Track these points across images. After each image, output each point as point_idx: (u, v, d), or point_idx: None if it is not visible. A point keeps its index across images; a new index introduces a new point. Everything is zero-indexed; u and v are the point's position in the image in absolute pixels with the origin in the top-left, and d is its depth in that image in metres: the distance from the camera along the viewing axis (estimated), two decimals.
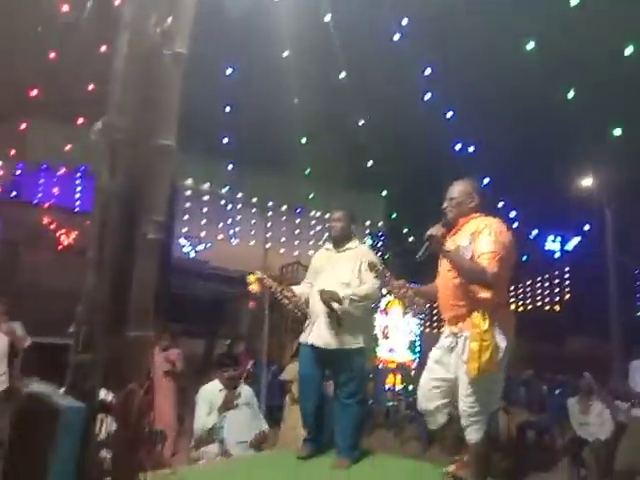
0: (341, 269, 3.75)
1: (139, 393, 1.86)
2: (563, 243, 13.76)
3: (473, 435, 2.71)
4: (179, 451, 5.19)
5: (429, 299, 3.22)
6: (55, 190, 9.92)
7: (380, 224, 14.43)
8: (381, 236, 15.38)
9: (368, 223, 14.18)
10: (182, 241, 11.09)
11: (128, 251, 2.04)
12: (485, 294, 2.74)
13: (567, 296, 15.99)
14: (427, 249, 2.79)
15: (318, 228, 11.67)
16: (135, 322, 2.01)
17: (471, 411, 2.70)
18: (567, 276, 16.07)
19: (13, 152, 8.25)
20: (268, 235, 9.99)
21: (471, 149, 5.15)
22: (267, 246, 9.54)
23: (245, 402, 4.32)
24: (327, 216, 3.94)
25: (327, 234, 4.08)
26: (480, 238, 2.75)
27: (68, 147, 7.74)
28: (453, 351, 2.85)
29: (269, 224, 10.14)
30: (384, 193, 9.50)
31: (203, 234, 11.02)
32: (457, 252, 2.78)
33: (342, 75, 5.09)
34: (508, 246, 2.79)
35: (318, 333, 3.65)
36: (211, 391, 4.27)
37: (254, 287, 3.78)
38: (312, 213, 11.60)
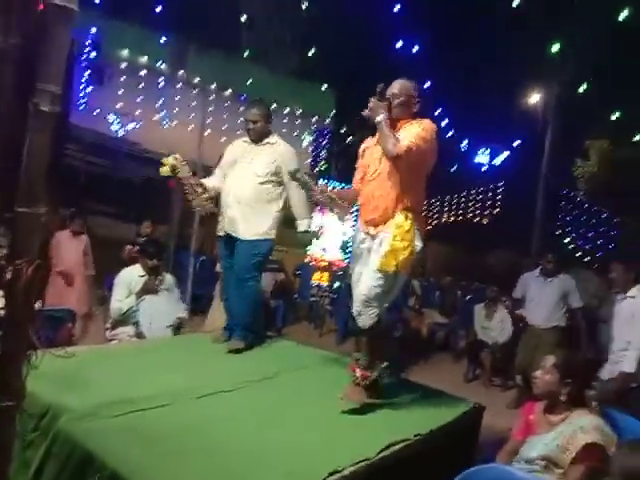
0: (258, 163, 3.73)
1: (27, 270, 1.80)
2: (492, 157, 14.03)
3: (367, 321, 2.86)
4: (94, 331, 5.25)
5: (351, 202, 3.23)
6: None
7: (327, 121, 14.18)
8: (326, 134, 15.15)
9: (315, 119, 13.91)
10: (111, 117, 10.43)
11: (19, 122, 1.88)
12: (410, 198, 2.85)
13: (496, 210, 16.66)
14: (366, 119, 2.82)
15: None
16: (24, 198, 1.89)
17: (370, 295, 2.81)
18: (499, 191, 16.63)
19: None
20: (208, 121, 9.55)
21: (414, 49, 4.99)
22: (206, 133, 9.15)
23: (165, 288, 4.37)
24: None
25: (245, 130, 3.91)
26: (411, 128, 2.83)
27: None
28: (368, 252, 2.94)
29: (210, 109, 9.67)
30: (327, 88, 9.15)
31: (138, 112, 10.41)
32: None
33: None
34: (428, 147, 2.82)
35: (230, 222, 3.72)
36: (130, 275, 4.26)
37: (165, 170, 3.58)
38: None
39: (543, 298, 5.39)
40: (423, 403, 3.11)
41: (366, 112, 2.79)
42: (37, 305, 1.97)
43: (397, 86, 2.94)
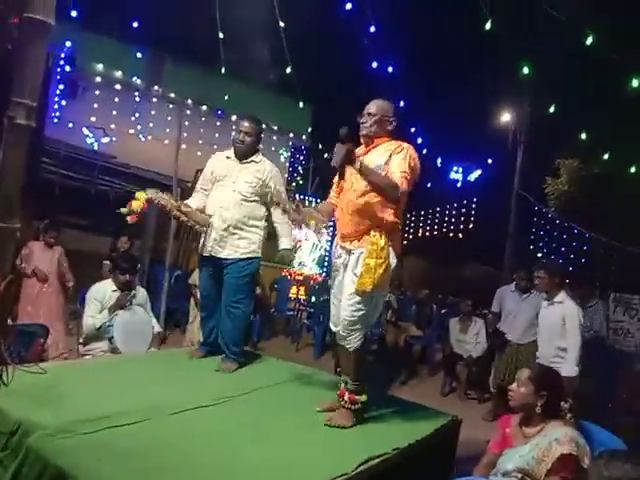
0: (242, 182, 3.67)
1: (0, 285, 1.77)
2: (465, 174, 14.31)
3: (352, 343, 2.86)
4: (70, 347, 5.14)
5: (328, 217, 3.24)
6: None
7: (304, 137, 14.27)
8: (303, 150, 15.23)
9: (291, 135, 13.99)
10: (85, 131, 10.32)
11: None
12: (387, 215, 2.85)
13: (470, 225, 16.90)
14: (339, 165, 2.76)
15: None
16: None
17: (353, 320, 2.82)
18: (473, 207, 16.90)
19: None
20: (185, 135, 9.51)
21: (390, 69, 5.08)
22: (182, 147, 9.12)
23: (138, 303, 4.32)
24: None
25: (232, 141, 3.88)
26: (395, 158, 2.83)
27: None
28: (345, 268, 2.96)
29: (186, 123, 9.65)
30: (305, 105, 9.24)
31: (113, 126, 10.32)
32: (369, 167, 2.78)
33: None
34: (415, 174, 2.88)
35: (216, 244, 3.67)
36: (103, 290, 4.20)
37: (137, 205, 3.43)
38: (233, 117, 11.18)
39: (519, 314, 5.46)
40: (401, 416, 3.11)
41: (333, 161, 2.72)
42: (8, 320, 1.93)
43: (373, 106, 2.97)
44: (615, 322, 7.53)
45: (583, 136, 6.69)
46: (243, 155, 3.73)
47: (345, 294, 2.87)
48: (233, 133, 3.90)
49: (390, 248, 2.83)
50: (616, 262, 11.42)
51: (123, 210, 3.45)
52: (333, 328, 3.07)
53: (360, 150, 3.01)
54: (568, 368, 4.09)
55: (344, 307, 2.86)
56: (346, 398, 2.86)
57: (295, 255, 3.90)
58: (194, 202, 3.77)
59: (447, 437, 3.14)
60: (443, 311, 9.29)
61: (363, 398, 2.89)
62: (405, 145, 2.91)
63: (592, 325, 5.91)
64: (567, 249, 13.90)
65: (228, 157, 3.80)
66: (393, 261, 2.86)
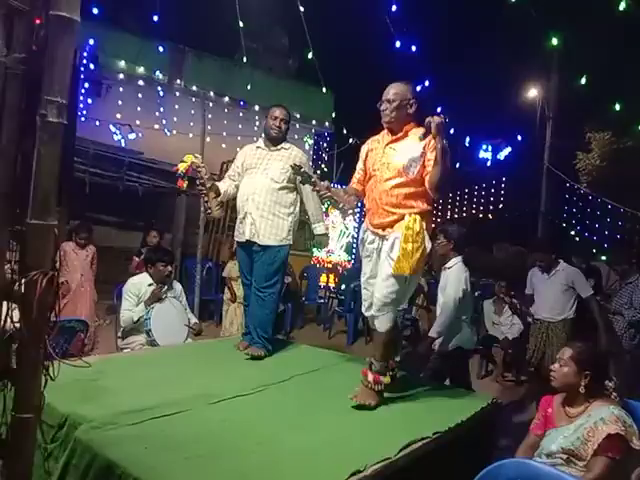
0: (274, 168, 3.76)
1: (41, 282, 1.80)
2: (494, 152, 14.01)
3: (383, 324, 2.86)
4: (107, 340, 5.26)
5: (353, 201, 3.20)
6: None
7: (327, 124, 14.20)
8: (327, 136, 15.16)
9: (314, 122, 13.93)
10: (112, 128, 10.46)
11: (27, 135, 1.88)
12: (420, 203, 2.86)
13: (501, 205, 16.61)
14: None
15: (260, 124, 11.33)
16: (36, 210, 1.89)
17: (386, 301, 2.82)
18: (503, 185, 16.59)
19: None
20: (209, 128, 9.57)
21: (413, 48, 4.98)
22: (207, 140, 9.17)
23: (174, 296, 4.38)
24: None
25: (264, 130, 3.95)
26: (434, 152, 2.75)
27: None
28: (378, 253, 2.94)
29: (209, 116, 9.70)
30: (326, 92, 9.17)
31: (138, 122, 10.44)
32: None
33: None
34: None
35: (251, 228, 3.73)
36: (139, 284, 4.27)
37: (183, 166, 3.65)
38: (256, 107, 11.18)
39: (546, 292, 5.34)
40: (440, 400, 3.09)
41: (434, 129, 2.62)
42: (52, 317, 1.97)
43: (391, 91, 2.93)
44: None
45: (616, 107, 6.44)
46: (277, 141, 3.82)
47: (381, 276, 2.86)
48: (262, 122, 3.97)
49: (425, 232, 2.82)
50: None
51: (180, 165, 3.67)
52: (365, 313, 3.07)
53: (387, 138, 2.98)
54: (432, 329, 3.92)
55: (378, 288, 2.86)
56: (370, 378, 2.86)
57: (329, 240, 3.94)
58: (223, 186, 3.89)
59: (487, 420, 3.10)
60: (476, 293, 9.15)
61: (387, 380, 2.89)
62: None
63: (632, 301, 5.75)
64: (601, 225, 13.56)
65: (258, 147, 3.91)
66: (429, 245, 2.85)
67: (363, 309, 3.09)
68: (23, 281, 1.83)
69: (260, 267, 3.73)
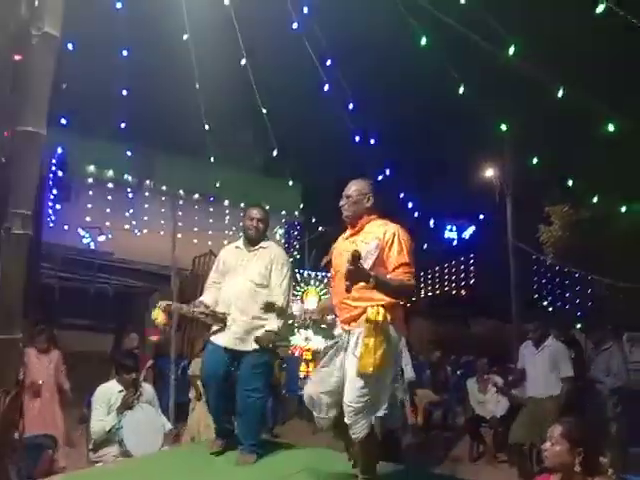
0: (253, 269, 3.68)
1: (4, 401, 1.71)
2: (459, 232, 14.51)
3: (358, 432, 2.68)
4: (77, 454, 4.92)
5: (331, 312, 3.15)
6: None
7: (296, 213, 14.51)
8: (297, 225, 15.45)
9: (283, 212, 14.22)
10: (81, 231, 10.47)
11: None
12: (383, 295, 2.73)
13: (472, 280, 16.87)
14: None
15: (230, 218, 11.50)
16: (0, 324, 1.84)
17: (357, 407, 2.66)
18: (472, 262, 16.95)
19: None
20: (179, 224, 9.65)
21: (372, 141, 5.25)
22: (178, 236, 9.22)
23: (145, 401, 4.18)
24: (243, 208, 3.87)
25: (242, 231, 3.93)
26: (392, 250, 2.78)
27: None
28: (345, 350, 2.82)
29: (180, 213, 9.82)
30: (293, 183, 9.48)
31: (108, 224, 10.48)
32: (377, 274, 2.65)
33: (243, 62, 4.97)
34: (411, 251, 2.85)
35: (232, 334, 3.57)
36: (109, 392, 4.07)
37: (160, 320, 3.56)
38: (225, 202, 11.40)
39: (536, 368, 5.31)
40: None
41: (346, 284, 2.55)
42: (16, 435, 1.85)
43: (349, 188, 3.02)
44: (634, 363, 7.33)
45: (569, 183, 6.81)
46: (255, 241, 3.76)
47: (348, 378, 2.71)
48: (232, 215, 3.98)
49: (391, 325, 2.71)
50: (625, 301, 11.30)
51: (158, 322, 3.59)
52: (324, 415, 2.84)
53: (348, 233, 3.03)
54: None
55: (348, 392, 2.69)
56: None
57: (304, 327, 3.86)
58: (209, 299, 3.73)
59: None
60: (459, 372, 9.04)
61: None
62: (392, 228, 2.87)
63: (610, 369, 5.75)
64: (572, 294, 13.81)
65: (237, 247, 3.84)
66: (395, 337, 2.74)
67: (321, 412, 2.85)
68: None
69: (243, 371, 3.56)
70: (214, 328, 3.71)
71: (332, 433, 2.98)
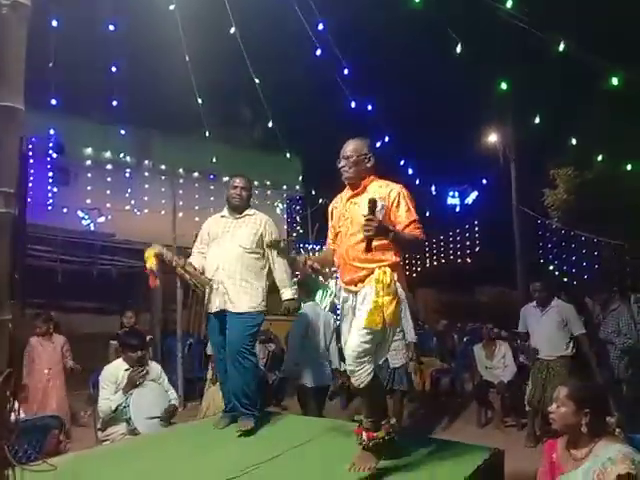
0: (242, 235, 3.74)
1: None
2: (462, 198, 14.34)
3: (362, 378, 2.69)
4: (88, 433, 4.97)
5: (331, 264, 3.17)
6: None
7: (297, 187, 14.41)
8: (298, 199, 15.35)
9: (284, 187, 14.12)
10: (80, 213, 10.44)
11: None
12: (388, 256, 2.78)
13: (477, 248, 16.79)
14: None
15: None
16: None
17: (359, 352, 2.65)
18: (476, 228, 16.85)
19: None
20: (180, 204, 9.60)
21: (369, 107, 5.13)
22: (179, 215, 9.18)
23: (152, 379, 4.19)
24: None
25: (226, 200, 3.94)
26: (400, 209, 2.80)
27: None
28: (353, 310, 2.85)
29: (180, 192, 9.75)
30: (293, 156, 9.36)
31: (108, 205, 10.44)
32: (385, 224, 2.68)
33: (232, 30, 4.83)
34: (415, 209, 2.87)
35: (223, 297, 3.63)
36: (115, 371, 4.10)
37: (151, 263, 3.54)
38: (225, 179, 11.29)
39: (543, 329, 5.29)
40: (441, 457, 2.93)
41: (366, 232, 2.58)
42: (13, 417, 1.82)
43: (348, 148, 2.95)
44: None
45: (572, 142, 6.66)
46: (240, 209, 3.82)
47: (354, 328, 2.74)
48: (227, 192, 3.95)
49: (398, 284, 2.75)
50: (630, 263, 11.22)
51: (148, 265, 3.54)
52: (344, 367, 2.95)
53: (348, 194, 2.98)
54: None
55: (351, 340, 2.72)
56: (364, 437, 2.71)
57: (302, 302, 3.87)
58: (195, 262, 3.80)
59: (491, 471, 2.94)
60: (465, 339, 9.04)
61: (381, 434, 2.73)
62: (396, 189, 2.86)
63: (620, 328, 5.72)
64: (578, 257, 13.73)
65: (223, 216, 3.89)
66: (403, 297, 2.78)
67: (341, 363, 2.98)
68: None
69: (236, 335, 3.59)
70: (207, 300, 3.73)
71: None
